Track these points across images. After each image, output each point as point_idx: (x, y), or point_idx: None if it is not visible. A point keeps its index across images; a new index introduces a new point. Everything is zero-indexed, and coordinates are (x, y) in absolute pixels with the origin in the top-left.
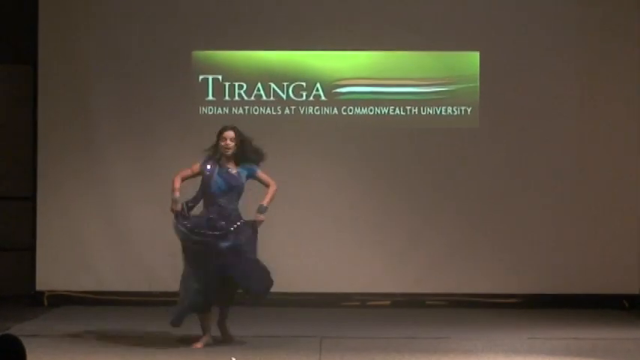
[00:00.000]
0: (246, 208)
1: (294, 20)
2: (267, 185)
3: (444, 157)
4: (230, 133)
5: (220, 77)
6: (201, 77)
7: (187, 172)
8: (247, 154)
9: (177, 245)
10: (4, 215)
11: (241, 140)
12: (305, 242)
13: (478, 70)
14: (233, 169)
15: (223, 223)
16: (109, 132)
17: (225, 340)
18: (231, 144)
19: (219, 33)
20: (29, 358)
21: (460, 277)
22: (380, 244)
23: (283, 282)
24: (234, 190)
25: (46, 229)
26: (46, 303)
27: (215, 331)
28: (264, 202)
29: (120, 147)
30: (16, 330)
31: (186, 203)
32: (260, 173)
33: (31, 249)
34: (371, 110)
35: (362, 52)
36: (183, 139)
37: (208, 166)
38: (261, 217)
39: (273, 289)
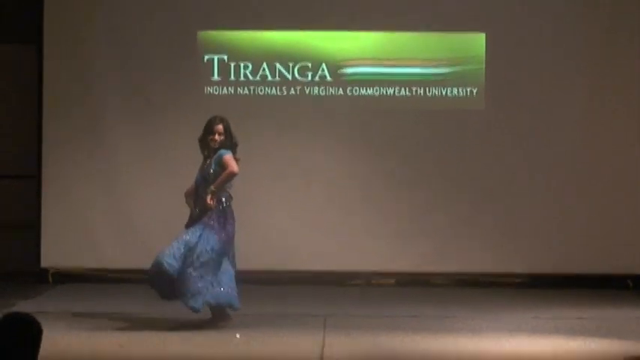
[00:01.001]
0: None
1: (300, 0)
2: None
3: (450, 138)
4: (220, 127)
5: (226, 57)
6: (206, 57)
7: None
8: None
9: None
10: (9, 193)
11: (229, 131)
12: (310, 221)
13: (484, 51)
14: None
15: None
16: (113, 111)
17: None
18: (220, 138)
19: (225, 13)
20: None
21: (465, 257)
22: (385, 223)
23: (288, 260)
24: (206, 181)
25: (50, 207)
26: (50, 280)
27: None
28: (212, 185)
29: (125, 126)
30: (20, 307)
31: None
32: (225, 157)
33: (36, 227)
34: (376, 91)
35: (368, 32)
36: (188, 119)
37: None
38: (207, 198)
39: (278, 268)
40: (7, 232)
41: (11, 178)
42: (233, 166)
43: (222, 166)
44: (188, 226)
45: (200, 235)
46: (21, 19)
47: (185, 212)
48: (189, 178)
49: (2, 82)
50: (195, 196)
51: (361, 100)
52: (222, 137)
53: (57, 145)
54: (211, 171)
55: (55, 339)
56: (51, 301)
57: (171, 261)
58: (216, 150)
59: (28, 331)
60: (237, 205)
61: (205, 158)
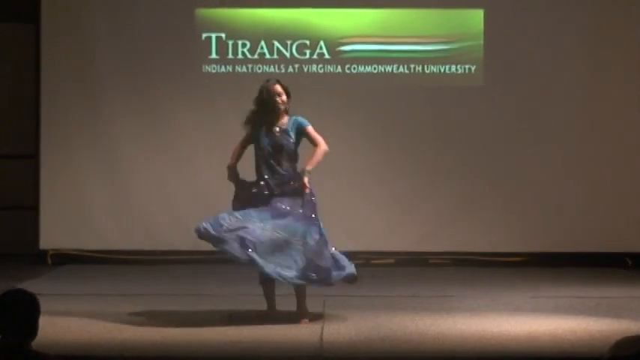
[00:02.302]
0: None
1: None
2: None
3: (448, 116)
4: (279, 87)
5: (224, 35)
6: (204, 35)
7: None
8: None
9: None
10: (8, 174)
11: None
12: None
13: (482, 27)
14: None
15: None
16: (112, 91)
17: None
18: (285, 98)
19: None
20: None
21: (464, 236)
22: (384, 203)
23: None
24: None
25: (49, 187)
26: (49, 262)
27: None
28: (309, 165)
29: (123, 106)
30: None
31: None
32: (309, 129)
33: (35, 208)
34: (375, 68)
35: (366, 9)
36: (187, 97)
37: None
38: (305, 181)
39: None
40: (5, 213)
41: (9, 158)
42: (323, 142)
43: (305, 136)
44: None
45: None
46: None
47: (184, 192)
48: (188, 156)
49: (1, 62)
50: (264, 167)
51: (360, 78)
52: (286, 98)
53: (55, 125)
54: (291, 140)
55: (53, 320)
56: (50, 282)
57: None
58: (281, 114)
59: (27, 307)
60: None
61: (268, 125)
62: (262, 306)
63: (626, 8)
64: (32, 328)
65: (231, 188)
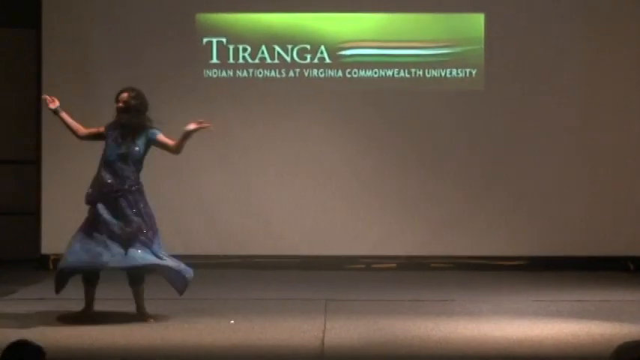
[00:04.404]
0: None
1: None
2: None
3: (449, 120)
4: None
5: (224, 40)
6: (205, 40)
7: None
8: None
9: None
10: (9, 179)
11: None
12: (309, 205)
13: (483, 32)
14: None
15: None
16: (113, 96)
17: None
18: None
19: None
20: (36, 321)
21: (465, 240)
22: (385, 207)
23: (288, 245)
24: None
25: (51, 192)
26: (51, 266)
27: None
28: None
29: None
30: (22, 293)
31: None
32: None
33: (36, 213)
34: (375, 73)
35: (366, 14)
36: (188, 102)
37: None
38: None
39: (278, 252)
40: (7, 219)
41: (11, 163)
42: None
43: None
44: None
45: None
46: (21, 3)
47: (184, 196)
48: (189, 160)
49: (3, 66)
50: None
51: (360, 82)
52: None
53: (57, 130)
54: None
55: (56, 325)
56: (52, 287)
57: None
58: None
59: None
60: (237, 191)
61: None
62: (264, 310)
63: (628, 12)
64: None
65: (232, 192)
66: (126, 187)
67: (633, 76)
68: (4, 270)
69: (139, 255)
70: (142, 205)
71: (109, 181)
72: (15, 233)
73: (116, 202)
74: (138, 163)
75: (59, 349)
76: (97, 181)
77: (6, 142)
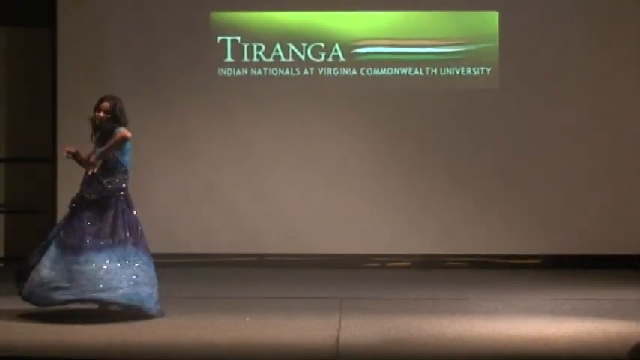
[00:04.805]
0: None
1: None
2: None
3: (464, 118)
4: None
5: (239, 38)
6: (219, 38)
7: None
8: None
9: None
10: (25, 178)
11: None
12: (324, 203)
13: (497, 29)
14: None
15: None
16: (128, 94)
17: None
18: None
19: None
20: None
21: (480, 238)
22: (400, 205)
23: (303, 244)
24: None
25: (66, 191)
26: None
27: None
28: None
29: (139, 109)
30: None
31: None
32: None
33: (51, 211)
34: (390, 71)
35: (381, 12)
36: (202, 100)
37: None
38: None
39: (294, 251)
40: (23, 217)
41: (26, 162)
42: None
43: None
44: None
45: None
46: (36, 2)
47: (199, 194)
48: (204, 159)
49: (18, 66)
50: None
51: (375, 81)
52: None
53: (72, 129)
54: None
55: (70, 323)
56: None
57: None
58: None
59: None
60: (253, 190)
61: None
62: (280, 308)
63: None
64: None
65: (248, 191)
66: None
67: None
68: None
69: None
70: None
71: None
72: (30, 231)
73: None
74: None
75: (76, 347)
76: None
77: (21, 141)
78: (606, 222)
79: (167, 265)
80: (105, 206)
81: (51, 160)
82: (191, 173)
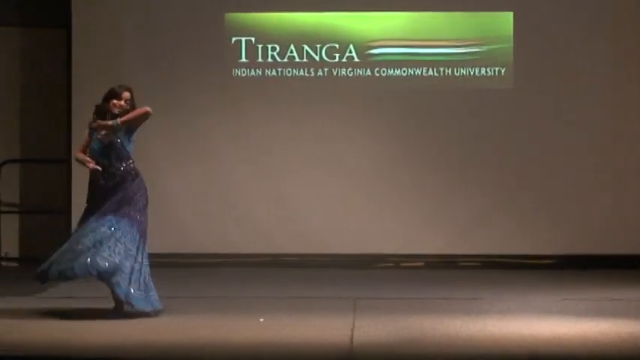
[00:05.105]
0: None
1: None
2: None
3: (478, 118)
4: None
5: (253, 39)
6: (234, 39)
7: None
8: None
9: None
10: (40, 178)
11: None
12: (338, 204)
13: (512, 30)
14: None
15: None
16: (143, 94)
17: None
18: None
19: None
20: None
21: (493, 239)
22: (413, 206)
23: (317, 244)
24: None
25: (81, 191)
26: None
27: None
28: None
29: (154, 108)
30: (52, 292)
31: None
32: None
33: (67, 212)
34: (404, 71)
35: (395, 13)
36: (217, 100)
37: None
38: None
39: (308, 251)
40: (38, 217)
41: (42, 163)
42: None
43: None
44: None
45: None
46: (51, 3)
47: (213, 193)
48: (218, 159)
49: (34, 67)
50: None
51: (389, 81)
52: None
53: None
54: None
55: (86, 322)
56: (81, 285)
57: None
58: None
59: None
60: (266, 190)
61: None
62: (294, 308)
63: None
64: None
65: (262, 192)
66: None
67: None
68: (36, 267)
69: None
70: None
71: None
72: (46, 231)
73: None
74: None
75: (87, 345)
76: None
77: (37, 142)
78: (619, 222)
79: (181, 265)
80: (117, 189)
81: (66, 161)
82: (205, 173)
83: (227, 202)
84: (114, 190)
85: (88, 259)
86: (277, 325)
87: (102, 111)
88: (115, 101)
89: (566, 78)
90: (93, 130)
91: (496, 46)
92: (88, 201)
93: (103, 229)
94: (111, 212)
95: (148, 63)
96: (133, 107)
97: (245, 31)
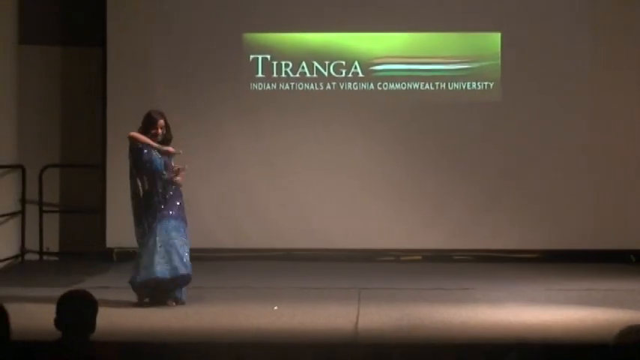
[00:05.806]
0: None
1: (335, 4)
2: None
3: (469, 127)
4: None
5: (269, 57)
6: (251, 57)
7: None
8: None
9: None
10: (78, 181)
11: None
12: (344, 204)
13: (500, 49)
14: None
15: None
16: (170, 105)
17: None
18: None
19: (268, 17)
20: (102, 308)
21: (485, 235)
22: (412, 206)
23: (324, 239)
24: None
25: (114, 193)
26: (115, 258)
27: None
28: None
29: (179, 120)
30: (89, 283)
31: None
32: None
33: (102, 211)
34: (403, 86)
35: (396, 33)
36: (236, 112)
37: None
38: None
39: (316, 246)
40: (77, 217)
41: (80, 167)
42: None
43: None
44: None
45: None
46: (88, 24)
47: (232, 196)
48: (237, 163)
49: (72, 82)
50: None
51: (390, 94)
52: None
53: (119, 139)
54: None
55: (120, 310)
56: (115, 277)
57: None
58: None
59: (85, 306)
60: (280, 191)
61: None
62: (304, 298)
63: (637, 30)
64: (91, 325)
65: (276, 193)
66: None
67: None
68: (74, 261)
69: None
70: None
71: None
72: (83, 229)
73: None
74: None
75: (120, 331)
76: None
77: (76, 150)
78: (601, 220)
79: (203, 259)
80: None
81: (100, 166)
82: (225, 177)
83: (244, 203)
84: (173, 197)
85: (184, 259)
86: (290, 313)
87: (155, 136)
88: (153, 131)
89: (550, 90)
90: (156, 150)
91: (486, 63)
92: (148, 207)
93: (179, 233)
94: (178, 217)
95: (174, 79)
96: (168, 129)
97: (261, 49)
